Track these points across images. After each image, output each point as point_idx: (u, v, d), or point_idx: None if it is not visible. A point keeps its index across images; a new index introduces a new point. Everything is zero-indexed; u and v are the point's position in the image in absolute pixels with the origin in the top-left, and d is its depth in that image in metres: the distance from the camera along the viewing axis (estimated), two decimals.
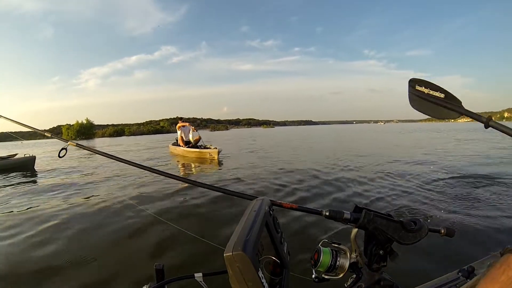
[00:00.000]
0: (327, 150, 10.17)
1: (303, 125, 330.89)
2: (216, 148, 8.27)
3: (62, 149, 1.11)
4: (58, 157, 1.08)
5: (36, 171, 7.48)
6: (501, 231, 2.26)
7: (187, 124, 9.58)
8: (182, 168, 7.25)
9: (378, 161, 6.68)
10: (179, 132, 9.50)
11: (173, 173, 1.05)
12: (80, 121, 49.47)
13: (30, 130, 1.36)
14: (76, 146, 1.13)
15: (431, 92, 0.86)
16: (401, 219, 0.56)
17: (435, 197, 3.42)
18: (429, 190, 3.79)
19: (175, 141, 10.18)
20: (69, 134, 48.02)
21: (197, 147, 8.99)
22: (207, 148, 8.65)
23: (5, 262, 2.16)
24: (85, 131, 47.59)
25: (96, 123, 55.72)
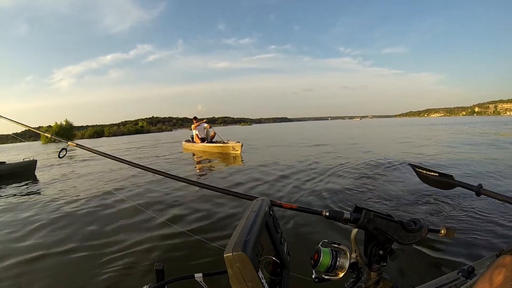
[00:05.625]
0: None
1: (278, 122, 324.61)
2: (238, 142, 8.34)
3: (62, 149, 1.11)
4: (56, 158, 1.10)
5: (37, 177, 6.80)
6: (501, 231, 2.26)
7: (202, 121, 9.88)
8: (207, 167, 6.90)
9: None
10: (194, 131, 9.88)
11: (173, 174, 1.05)
12: (59, 123, 46.18)
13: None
14: (76, 146, 1.14)
15: (428, 173, 1.09)
16: (401, 219, 0.56)
17: (433, 193, 3.41)
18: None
19: (190, 139, 10.52)
20: (48, 136, 45.84)
21: (213, 143, 9.13)
22: (226, 142, 8.74)
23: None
24: (65, 133, 44.32)
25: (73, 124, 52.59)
